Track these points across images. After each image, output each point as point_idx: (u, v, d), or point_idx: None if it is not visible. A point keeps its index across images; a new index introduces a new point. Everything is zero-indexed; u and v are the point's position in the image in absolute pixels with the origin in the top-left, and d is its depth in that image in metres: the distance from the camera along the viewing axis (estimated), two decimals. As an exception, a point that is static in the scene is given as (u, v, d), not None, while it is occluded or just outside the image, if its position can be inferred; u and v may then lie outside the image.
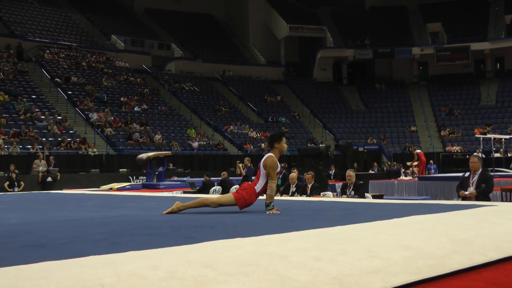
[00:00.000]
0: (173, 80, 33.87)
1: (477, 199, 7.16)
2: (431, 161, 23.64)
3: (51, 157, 18.41)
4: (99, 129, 23.95)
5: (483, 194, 7.33)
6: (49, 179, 17.31)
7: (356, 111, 36.73)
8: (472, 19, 39.75)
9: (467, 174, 7.71)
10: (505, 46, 37.05)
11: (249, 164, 15.52)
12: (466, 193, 7.36)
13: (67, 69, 29.05)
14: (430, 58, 39.41)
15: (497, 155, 22.37)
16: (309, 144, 28.30)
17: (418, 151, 21.19)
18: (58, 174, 17.78)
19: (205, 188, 13.62)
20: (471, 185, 7.44)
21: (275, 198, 8.19)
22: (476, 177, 7.46)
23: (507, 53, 37.78)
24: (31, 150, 19.57)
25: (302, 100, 37.08)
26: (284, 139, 5.27)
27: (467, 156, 13.83)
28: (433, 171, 22.50)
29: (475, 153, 16.54)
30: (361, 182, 9.16)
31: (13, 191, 15.60)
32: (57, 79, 27.27)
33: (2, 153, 18.78)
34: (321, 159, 17.28)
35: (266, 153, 5.33)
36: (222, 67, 37.83)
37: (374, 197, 9.56)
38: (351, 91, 39.31)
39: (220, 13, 44.01)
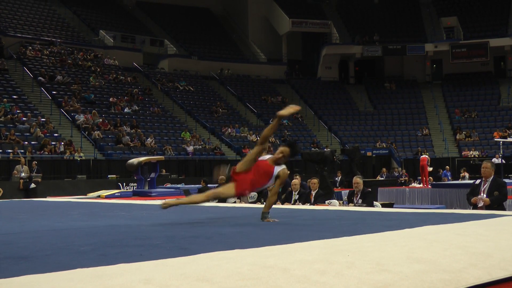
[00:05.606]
0: (166, 79, 33.91)
1: (489, 207, 7.16)
2: (447, 167, 23.63)
3: (33, 162, 18.40)
4: (86, 132, 23.95)
5: (497, 202, 7.33)
6: (32, 185, 17.29)
7: (364, 113, 36.75)
8: (491, 12, 39.75)
9: (477, 181, 7.72)
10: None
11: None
12: (479, 197, 7.36)
13: (51, 67, 29.07)
14: (445, 55, 39.45)
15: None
16: (313, 148, 28.30)
17: (423, 156, 20.75)
18: (40, 180, 17.76)
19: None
20: (482, 193, 7.44)
21: (275, 206, 8.22)
22: (487, 185, 7.46)
23: (529, 50, 37.85)
24: (12, 155, 19.57)
25: (306, 101, 37.08)
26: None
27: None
28: (447, 178, 22.50)
29: (491, 159, 16.49)
30: (369, 189, 9.18)
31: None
32: (40, 78, 27.29)
33: (-19, 158, 18.81)
34: (326, 165, 17.29)
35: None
36: (219, 65, 37.89)
37: (383, 205, 9.58)
38: (358, 91, 39.35)
39: (217, 7, 44.10)
